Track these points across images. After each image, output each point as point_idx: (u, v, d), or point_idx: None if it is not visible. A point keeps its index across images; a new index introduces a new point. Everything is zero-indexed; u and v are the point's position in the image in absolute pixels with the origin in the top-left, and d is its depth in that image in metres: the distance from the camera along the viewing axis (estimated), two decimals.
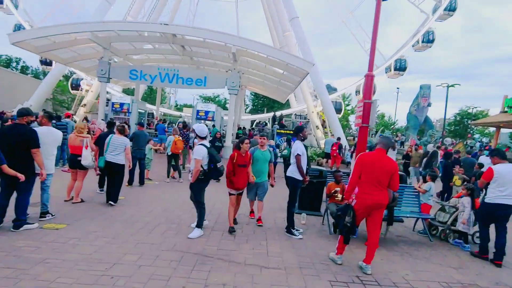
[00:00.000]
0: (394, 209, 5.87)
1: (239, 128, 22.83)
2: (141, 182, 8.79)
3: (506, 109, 24.65)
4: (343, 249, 4.61)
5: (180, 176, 9.97)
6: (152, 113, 27.22)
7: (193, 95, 57.14)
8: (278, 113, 28.18)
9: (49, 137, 5.18)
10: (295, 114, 32.60)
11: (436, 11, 27.53)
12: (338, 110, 29.19)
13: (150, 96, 48.33)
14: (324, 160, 16.21)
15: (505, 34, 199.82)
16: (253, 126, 30.29)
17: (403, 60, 28.51)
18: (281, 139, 15.90)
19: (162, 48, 18.61)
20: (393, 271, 4.49)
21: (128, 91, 37.31)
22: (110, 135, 6.90)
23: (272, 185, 6.21)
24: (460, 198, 6.24)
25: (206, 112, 18.33)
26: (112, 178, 6.78)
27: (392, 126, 55.22)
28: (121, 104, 17.83)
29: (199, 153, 4.99)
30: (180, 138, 9.85)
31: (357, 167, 4.40)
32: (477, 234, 6.00)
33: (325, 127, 27.60)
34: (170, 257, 4.23)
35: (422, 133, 34.73)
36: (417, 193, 6.60)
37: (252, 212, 6.54)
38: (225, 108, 35.43)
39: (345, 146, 18.38)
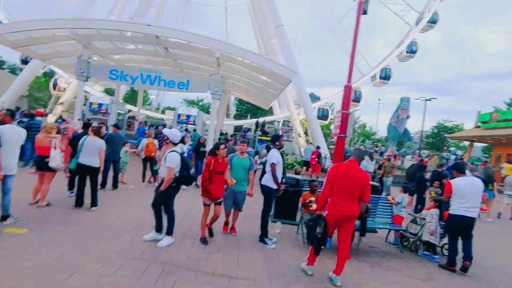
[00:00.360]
0: (368, 220, 5.96)
1: (221, 134, 22.67)
2: (115, 185, 8.53)
3: (479, 124, 25.73)
4: (314, 260, 4.58)
5: (155, 180, 9.75)
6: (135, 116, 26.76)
7: (178, 98, 56.64)
8: (260, 120, 28.23)
9: (12, 135, 4.92)
10: (283, 120, 32.81)
11: (419, 23, 28.66)
12: (325, 117, 29.65)
13: (132, 97, 47.46)
14: (304, 168, 16.29)
15: (481, 52, 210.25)
16: (234, 132, 30.22)
17: (388, 69, 29.51)
18: (262, 146, 15.90)
19: (145, 49, 18.29)
20: (363, 283, 4.50)
21: (110, 91, 36.54)
22: (85, 136, 6.67)
23: (249, 195, 5.82)
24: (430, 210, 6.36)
25: (188, 116, 18.10)
26: (83, 181, 6.54)
27: (373, 137, 56.40)
28: (100, 105, 17.37)
29: (173, 161, 4.79)
30: (154, 141, 9.62)
31: (330, 178, 4.40)
32: (446, 246, 6.14)
33: (308, 135, 27.86)
34: (135, 266, 4.06)
35: (401, 145, 35.62)
36: (390, 205, 6.70)
37: (226, 224, 6.07)
38: (209, 113, 35.14)
39: (325, 155, 18.54)
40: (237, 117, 46.88)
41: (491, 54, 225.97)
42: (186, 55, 18.18)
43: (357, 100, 29.97)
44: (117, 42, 17.58)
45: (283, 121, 32.77)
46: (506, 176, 14.14)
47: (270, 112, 36.48)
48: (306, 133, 27.93)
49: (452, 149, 51.01)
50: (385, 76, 29.54)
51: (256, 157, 12.68)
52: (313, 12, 32.68)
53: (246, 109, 47.74)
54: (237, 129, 36.45)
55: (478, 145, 37.62)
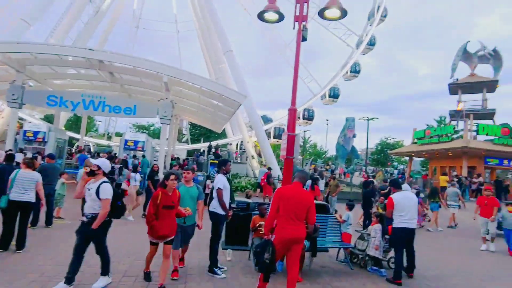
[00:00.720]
0: (319, 240, 6.01)
1: (173, 159, 22.00)
2: (48, 222, 7.74)
3: (415, 141, 28.03)
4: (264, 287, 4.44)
5: None
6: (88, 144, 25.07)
7: (127, 123, 54.14)
8: (213, 143, 28.02)
9: None
10: (240, 142, 32.86)
11: (360, 45, 31.24)
12: (280, 136, 30.35)
13: (76, 123, 44.56)
14: (258, 190, 16.28)
15: (413, 76, 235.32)
16: (187, 156, 29.61)
17: (336, 88, 31.55)
18: (214, 170, 15.67)
19: (89, 74, 17.49)
20: None
21: (51, 118, 34.08)
22: (16, 170, 6.05)
23: (199, 227, 5.26)
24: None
25: (135, 142, 17.33)
26: (13, 220, 5.84)
27: (324, 155, 58.64)
28: (35, 133, 15.98)
29: (108, 192, 4.34)
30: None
31: (275, 201, 4.37)
32: (392, 260, 6.39)
33: (261, 157, 28.15)
34: None
35: (350, 162, 37.40)
36: (339, 223, 6.85)
37: (175, 271, 5.10)
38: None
39: (278, 176, 18.75)
40: (190, 141, 46.12)
41: (422, 77, 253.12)
42: (133, 80, 17.72)
43: (310, 118, 31.40)
44: (56, 66, 16.62)
45: (241, 142, 32.91)
46: (443, 187, 15.36)
47: (223, 135, 36.47)
48: (259, 155, 28.22)
49: (395, 164, 54.79)
50: (334, 95, 31.57)
51: (208, 181, 12.40)
52: (264, 37, 33.80)
53: (199, 132, 47.17)
54: (190, 153, 35.75)
55: (417, 159, 40.84)
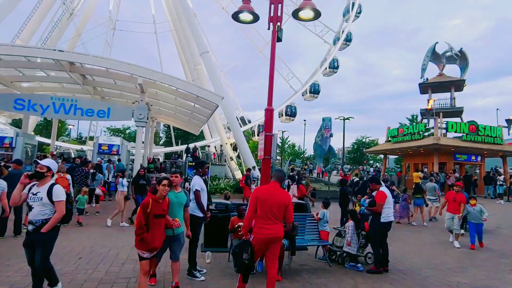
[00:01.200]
0: (297, 238, 6.07)
1: (150, 162, 21.55)
2: (17, 231, 7.36)
3: (389, 139, 28.89)
4: None
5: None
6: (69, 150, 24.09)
7: (101, 127, 52.44)
8: (191, 145, 27.71)
9: None
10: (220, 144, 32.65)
11: (337, 41, 31.94)
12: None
13: (46, 128, 42.81)
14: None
15: (385, 77, 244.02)
16: (164, 160, 29.14)
17: (317, 84, 32.19)
18: (193, 173, 15.51)
19: (59, 76, 16.85)
20: None
21: (21, 123, 32.63)
22: None
23: (189, 236, 4.97)
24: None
25: (110, 146, 16.87)
26: None
27: (302, 155, 59.30)
28: (1, 138, 15.22)
29: (62, 194, 4.03)
30: (65, 176, 8.66)
31: (253, 202, 4.37)
32: (369, 255, 6.56)
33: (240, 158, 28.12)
34: None
35: (327, 161, 38.01)
36: (316, 222, 6.95)
37: (153, 276, 4.98)
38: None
39: (258, 176, 18.80)
40: (166, 143, 45.42)
41: (393, 78, 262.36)
42: (106, 82, 17.24)
43: (293, 114, 31.75)
44: (24, 69, 15.90)
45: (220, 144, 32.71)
46: (416, 183, 15.86)
47: (201, 137, 36.14)
48: (239, 156, 28.18)
49: (371, 162, 56.28)
50: (315, 90, 32.19)
51: (187, 184, 12.24)
52: (243, 36, 33.96)
53: (176, 135, 46.52)
54: (168, 156, 35.21)
55: (391, 157, 42.14)
